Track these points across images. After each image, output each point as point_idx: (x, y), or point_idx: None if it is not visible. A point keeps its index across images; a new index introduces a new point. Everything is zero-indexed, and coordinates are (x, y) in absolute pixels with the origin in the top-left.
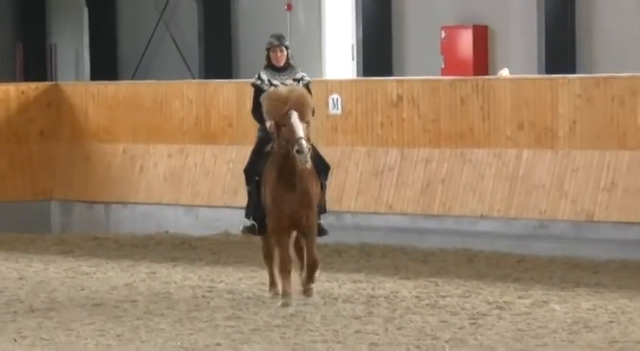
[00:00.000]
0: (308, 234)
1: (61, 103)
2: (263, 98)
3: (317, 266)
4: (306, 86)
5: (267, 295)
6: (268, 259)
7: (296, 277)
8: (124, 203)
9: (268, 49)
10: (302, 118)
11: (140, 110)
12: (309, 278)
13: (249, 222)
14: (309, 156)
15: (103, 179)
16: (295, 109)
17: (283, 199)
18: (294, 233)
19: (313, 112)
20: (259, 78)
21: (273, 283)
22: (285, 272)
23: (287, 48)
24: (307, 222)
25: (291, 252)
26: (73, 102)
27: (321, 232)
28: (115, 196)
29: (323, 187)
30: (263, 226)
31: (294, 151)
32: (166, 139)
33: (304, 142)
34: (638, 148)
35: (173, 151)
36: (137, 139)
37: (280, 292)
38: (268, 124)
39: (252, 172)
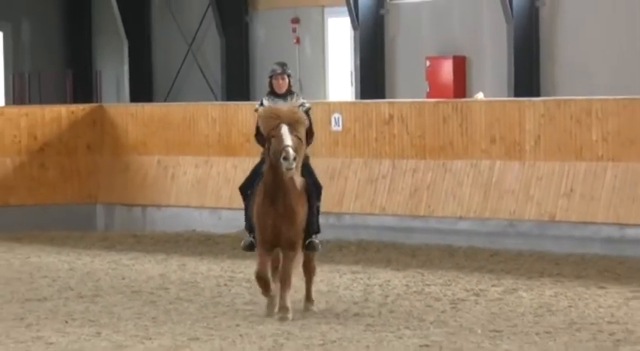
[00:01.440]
0: (287, 249)
1: (105, 122)
2: (260, 114)
3: (287, 283)
4: (306, 112)
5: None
6: (259, 283)
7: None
8: (158, 206)
9: (271, 77)
10: (292, 131)
11: (171, 127)
12: (282, 295)
13: (247, 239)
14: (294, 164)
15: (140, 186)
16: (287, 124)
17: (266, 213)
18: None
19: (312, 135)
20: (262, 104)
21: (265, 293)
22: (265, 286)
23: (289, 76)
24: (287, 237)
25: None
26: (114, 120)
27: (314, 247)
28: (150, 200)
29: (317, 208)
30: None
31: (281, 158)
32: (194, 151)
33: (290, 150)
34: (592, 159)
35: (199, 162)
36: (169, 151)
37: (271, 302)
38: (264, 133)
39: (248, 189)
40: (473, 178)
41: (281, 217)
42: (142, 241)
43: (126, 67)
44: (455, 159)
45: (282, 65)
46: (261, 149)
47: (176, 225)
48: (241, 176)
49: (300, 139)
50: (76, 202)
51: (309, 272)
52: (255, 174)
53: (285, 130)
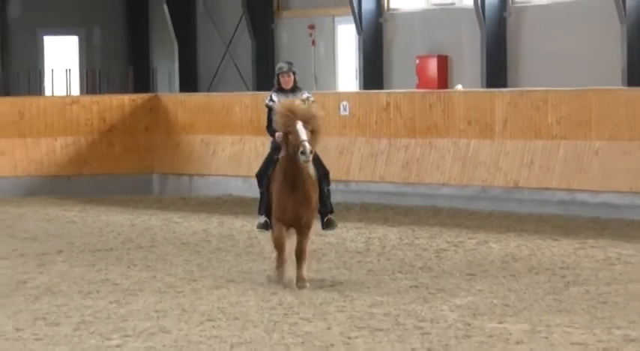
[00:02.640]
0: (304, 229)
1: (159, 108)
2: (274, 112)
3: (304, 257)
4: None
5: (272, 274)
6: (278, 248)
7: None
8: (202, 175)
9: (278, 74)
10: (306, 127)
11: (212, 112)
12: (299, 268)
13: (262, 219)
14: (310, 157)
15: (187, 159)
16: (302, 120)
17: (286, 198)
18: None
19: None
20: (271, 99)
21: (278, 267)
22: (280, 252)
23: (294, 73)
24: (305, 220)
25: (288, 248)
26: (167, 107)
27: (332, 224)
28: (196, 171)
29: (328, 192)
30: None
31: (299, 152)
32: (230, 132)
33: (307, 144)
34: (548, 138)
35: (235, 140)
36: (211, 132)
37: (278, 273)
38: (278, 134)
39: (263, 177)
40: (453, 153)
41: (299, 203)
42: (188, 204)
43: (176, 64)
44: (439, 138)
45: (288, 64)
46: (270, 139)
47: (216, 190)
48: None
49: (314, 132)
50: (136, 173)
51: (301, 258)
52: (268, 162)
53: (300, 126)
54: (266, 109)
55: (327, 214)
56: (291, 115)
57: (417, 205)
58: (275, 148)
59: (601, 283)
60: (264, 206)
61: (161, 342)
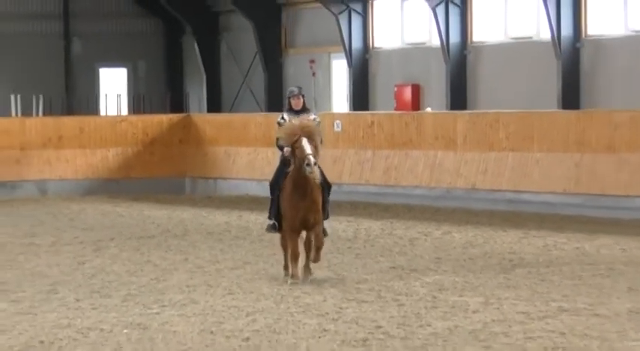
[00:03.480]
0: (315, 229)
1: (191, 125)
2: (280, 130)
3: (321, 247)
4: (317, 125)
5: (282, 273)
6: (285, 248)
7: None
8: (224, 179)
9: (290, 97)
10: (310, 142)
11: (234, 129)
12: (316, 256)
13: (271, 222)
14: (315, 168)
15: (213, 166)
16: (305, 136)
17: (296, 205)
18: (304, 233)
19: (321, 140)
20: (283, 118)
21: (286, 267)
22: (294, 260)
23: (303, 96)
24: (314, 222)
25: (300, 247)
26: (197, 124)
27: (324, 233)
28: (219, 175)
29: (327, 201)
30: (281, 225)
31: (305, 164)
32: (247, 144)
33: (311, 157)
34: (499, 150)
35: (250, 151)
36: (231, 144)
37: (290, 274)
38: (286, 149)
39: (275, 186)
40: (424, 162)
41: (308, 208)
42: (213, 201)
43: (204, 90)
44: (413, 149)
45: (299, 88)
46: (279, 152)
47: (235, 191)
48: (277, 160)
49: (316, 147)
50: (172, 177)
51: (308, 249)
52: (279, 173)
53: (305, 142)
54: (277, 127)
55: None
56: (298, 133)
57: (395, 203)
58: (284, 160)
59: (541, 266)
60: (275, 211)
61: (191, 311)
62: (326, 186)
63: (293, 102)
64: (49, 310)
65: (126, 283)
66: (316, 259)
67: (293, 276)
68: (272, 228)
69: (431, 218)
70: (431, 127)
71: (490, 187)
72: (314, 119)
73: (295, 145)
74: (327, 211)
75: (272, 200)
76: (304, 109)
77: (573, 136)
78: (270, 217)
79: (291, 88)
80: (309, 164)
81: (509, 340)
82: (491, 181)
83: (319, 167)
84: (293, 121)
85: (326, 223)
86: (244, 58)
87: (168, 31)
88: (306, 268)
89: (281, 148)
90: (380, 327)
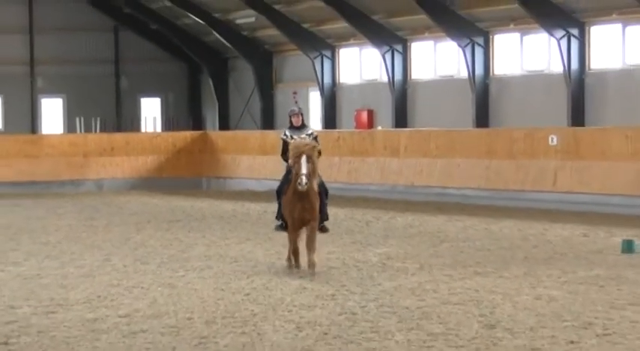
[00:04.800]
0: (311, 230)
1: (207, 139)
2: (290, 147)
3: (313, 248)
4: (315, 138)
5: (285, 263)
6: (290, 243)
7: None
8: (231, 178)
9: (290, 115)
10: (308, 160)
11: (238, 141)
12: (310, 256)
13: (278, 222)
14: (305, 186)
15: (223, 168)
16: (306, 155)
17: (295, 207)
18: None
19: (320, 153)
20: (285, 134)
21: (289, 258)
22: (295, 254)
23: (302, 114)
24: (311, 223)
25: (301, 245)
26: (211, 138)
27: (325, 229)
28: (228, 175)
29: (325, 204)
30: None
31: (297, 182)
32: (247, 153)
33: (304, 177)
34: (431, 157)
35: (250, 157)
36: (237, 153)
37: (293, 264)
38: (290, 161)
39: (280, 192)
40: (376, 166)
41: (305, 210)
42: (223, 194)
43: (217, 114)
44: (368, 157)
45: (299, 108)
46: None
47: (239, 187)
48: (270, 165)
49: (314, 164)
50: (193, 176)
51: (309, 248)
52: (284, 181)
53: (303, 160)
54: (281, 141)
55: (322, 221)
56: (300, 152)
57: (355, 196)
58: (289, 170)
59: (460, 241)
60: (281, 213)
61: (207, 274)
62: (323, 191)
63: (293, 119)
64: (103, 273)
65: (159, 253)
66: (310, 261)
67: (293, 266)
68: (280, 227)
69: (381, 207)
70: (381, 141)
71: (424, 184)
72: (311, 134)
73: (296, 161)
74: (326, 213)
75: (278, 204)
76: (303, 126)
77: (484, 147)
78: (277, 218)
79: (292, 107)
80: (300, 183)
81: (437, 295)
82: (425, 180)
83: (319, 175)
84: (298, 142)
85: (326, 223)
86: (246, 91)
87: (190, 72)
88: (310, 263)
89: (286, 160)
90: (344, 285)
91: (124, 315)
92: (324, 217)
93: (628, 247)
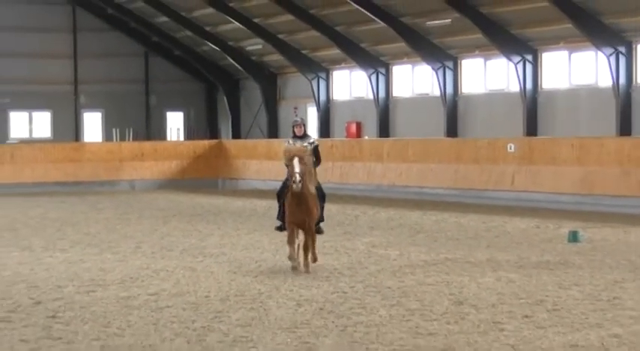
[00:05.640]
0: (308, 231)
1: (222, 147)
2: (283, 151)
3: (307, 250)
4: (316, 147)
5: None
6: (289, 244)
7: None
8: (243, 179)
9: (294, 126)
10: (300, 162)
11: (248, 148)
12: (305, 258)
13: (278, 223)
14: (300, 185)
15: (235, 170)
16: (298, 157)
17: (294, 210)
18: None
19: (320, 160)
20: (288, 142)
21: (291, 257)
22: (291, 245)
23: (304, 125)
24: (308, 224)
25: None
26: (226, 146)
27: (320, 231)
28: (239, 177)
29: (322, 207)
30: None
31: (292, 180)
32: (256, 158)
33: (298, 175)
34: (408, 162)
35: (258, 162)
36: (247, 158)
37: (290, 260)
38: (285, 162)
39: (280, 195)
40: (362, 169)
41: (304, 212)
42: (236, 192)
43: (230, 126)
44: (356, 162)
45: (301, 119)
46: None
47: (248, 187)
48: (275, 168)
49: (305, 165)
50: (210, 178)
51: (306, 250)
52: (284, 185)
53: (296, 161)
54: (284, 149)
55: (318, 222)
56: (291, 154)
57: (346, 194)
58: (289, 176)
59: (434, 232)
60: (280, 214)
61: (222, 259)
62: (321, 195)
63: (296, 129)
64: (135, 258)
65: (182, 242)
66: (305, 263)
67: (290, 258)
68: (279, 228)
69: (367, 203)
70: (367, 148)
71: (404, 184)
72: (312, 143)
73: (288, 163)
74: (322, 215)
75: (279, 206)
76: (305, 135)
77: (454, 154)
78: (277, 218)
79: (295, 118)
80: (294, 181)
81: (414, 277)
82: (405, 181)
83: (317, 180)
84: (290, 146)
85: (322, 224)
86: (254, 106)
87: (208, 90)
88: (306, 263)
89: (287, 166)
90: (336, 269)
91: (152, 293)
92: (320, 218)
93: (573, 237)
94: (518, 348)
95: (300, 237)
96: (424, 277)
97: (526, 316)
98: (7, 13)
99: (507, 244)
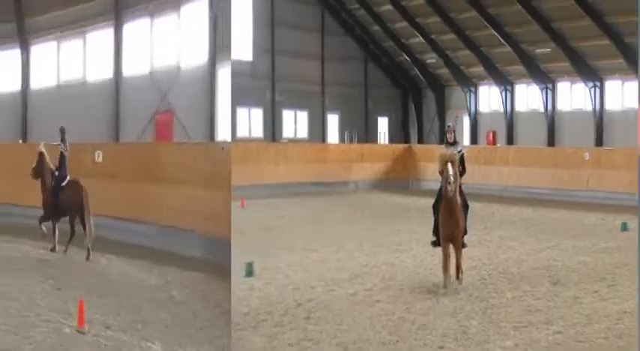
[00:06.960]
0: (456, 243)
1: (411, 150)
2: (437, 157)
3: (460, 268)
4: (462, 156)
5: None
6: (444, 270)
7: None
8: (424, 180)
9: (446, 132)
10: (453, 166)
11: (428, 153)
12: (457, 276)
13: (434, 238)
14: (454, 186)
15: (420, 172)
16: (450, 162)
17: (446, 220)
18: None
19: (464, 168)
20: (443, 149)
21: (445, 286)
22: (446, 273)
23: (454, 131)
24: (457, 236)
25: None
26: (414, 150)
27: (463, 246)
28: (422, 178)
29: (465, 217)
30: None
31: (446, 182)
32: (433, 161)
33: (451, 177)
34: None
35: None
36: (426, 161)
37: (444, 287)
38: (439, 167)
39: (436, 205)
40: (496, 172)
41: (453, 224)
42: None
43: (416, 130)
44: (492, 165)
45: (453, 124)
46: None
47: (428, 187)
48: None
49: (456, 172)
50: (403, 178)
51: (458, 268)
52: (439, 195)
53: (449, 166)
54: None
55: (463, 235)
56: (445, 160)
57: (485, 194)
58: (441, 187)
59: (539, 224)
60: (435, 229)
61: (409, 254)
62: (465, 206)
63: (448, 135)
64: (359, 256)
65: (385, 240)
66: (461, 271)
67: (445, 280)
68: (433, 243)
69: (498, 202)
70: (499, 154)
71: (522, 185)
72: (460, 151)
73: (444, 168)
74: (465, 228)
75: (434, 220)
76: (455, 142)
77: (551, 161)
78: (433, 233)
79: (448, 123)
80: (449, 183)
81: (528, 264)
82: (522, 182)
83: (462, 191)
84: (443, 152)
85: (465, 238)
86: (431, 113)
87: (403, 98)
88: (458, 279)
89: (440, 174)
90: (480, 259)
91: (368, 289)
92: (464, 231)
93: (624, 227)
94: (591, 317)
95: (451, 253)
96: (533, 263)
97: (595, 292)
98: (287, 10)
99: (584, 234)
